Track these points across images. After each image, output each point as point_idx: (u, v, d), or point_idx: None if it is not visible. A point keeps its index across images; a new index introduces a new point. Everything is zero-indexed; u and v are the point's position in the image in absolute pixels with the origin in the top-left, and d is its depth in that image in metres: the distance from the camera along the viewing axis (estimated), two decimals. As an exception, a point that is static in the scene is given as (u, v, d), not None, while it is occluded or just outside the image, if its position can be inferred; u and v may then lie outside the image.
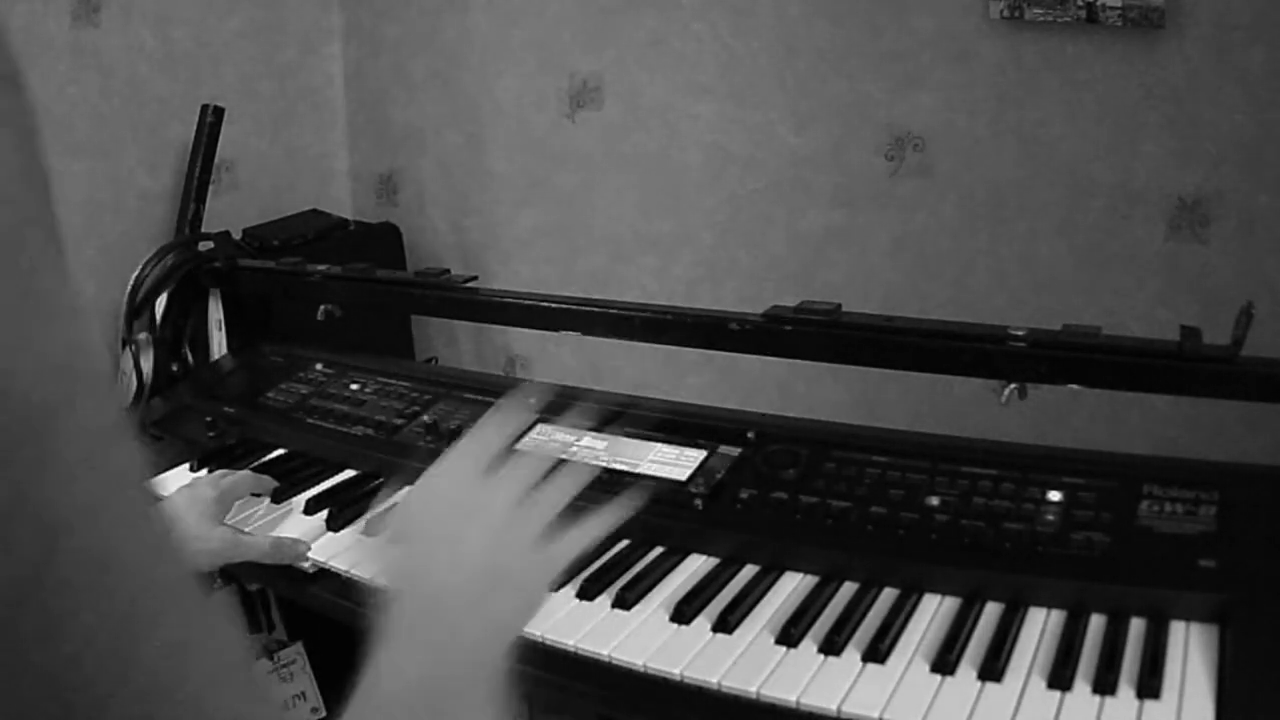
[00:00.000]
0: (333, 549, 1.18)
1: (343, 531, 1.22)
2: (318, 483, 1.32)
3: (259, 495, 1.29)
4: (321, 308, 1.61)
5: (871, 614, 0.97)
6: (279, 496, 1.29)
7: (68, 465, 0.34)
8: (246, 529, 1.22)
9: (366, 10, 2.54)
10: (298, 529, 1.22)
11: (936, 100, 1.94)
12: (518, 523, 0.69)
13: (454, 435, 1.32)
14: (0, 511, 0.32)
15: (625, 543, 1.13)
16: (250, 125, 2.37)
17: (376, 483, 1.31)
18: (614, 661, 0.96)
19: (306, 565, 1.18)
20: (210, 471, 1.36)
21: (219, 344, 1.73)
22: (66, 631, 0.33)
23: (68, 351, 0.35)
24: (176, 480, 1.37)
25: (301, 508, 1.27)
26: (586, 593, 1.05)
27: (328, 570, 1.16)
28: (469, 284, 1.52)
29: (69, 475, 0.34)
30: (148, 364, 1.67)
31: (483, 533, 0.68)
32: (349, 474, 1.34)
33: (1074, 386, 1.13)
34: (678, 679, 0.92)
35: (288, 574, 1.18)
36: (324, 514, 1.24)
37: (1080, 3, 1.75)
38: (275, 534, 1.21)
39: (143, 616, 0.35)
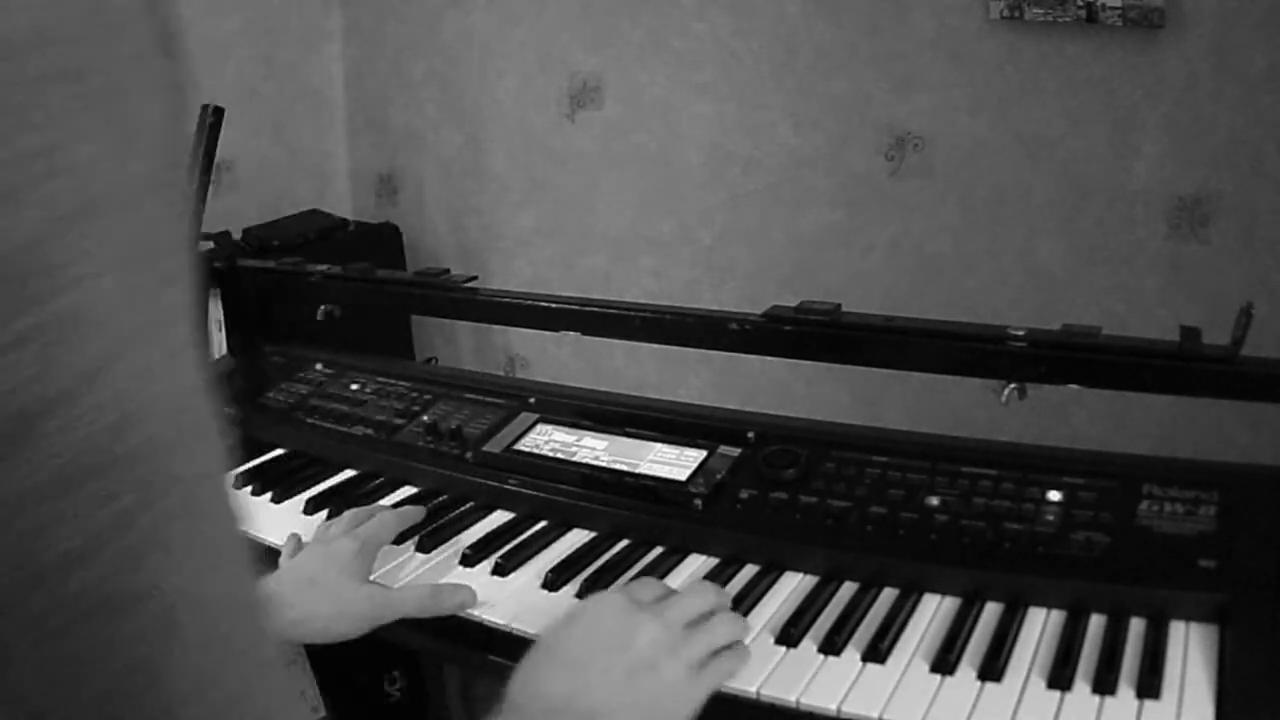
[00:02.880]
0: (514, 605, 1.04)
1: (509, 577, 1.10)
2: (318, 483, 1.32)
3: (401, 543, 1.14)
4: (321, 308, 1.61)
5: (871, 614, 0.97)
6: (427, 544, 1.14)
7: (173, 512, 0.34)
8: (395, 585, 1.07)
9: (366, 10, 2.54)
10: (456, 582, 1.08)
11: (936, 100, 1.95)
12: (670, 662, 0.82)
13: (454, 435, 1.32)
14: (98, 539, 0.31)
15: (625, 543, 1.13)
16: (250, 125, 2.37)
17: (376, 482, 1.31)
18: (614, 661, 0.96)
19: (480, 617, 1.03)
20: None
21: (219, 344, 1.73)
22: (135, 675, 0.33)
23: (190, 391, 0.35)
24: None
25: (458, 558, 1.12)
26: (587, 593, 1.05)
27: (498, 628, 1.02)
28: (469, 284, 1.52)
29: (171, 518, 0.33)
30: (148, 364, 1.67)
31: (631, 664, 0.81)
32: (349, 474, 1.34)
33: (1074, 386, 1.13)
34: (678, 679, 0.92)
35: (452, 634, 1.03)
36: (485, 565, 1.11)
37: (1080, 3, 1.75)
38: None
39: (228, 681, 0.35)
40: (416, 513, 1.16)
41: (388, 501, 1.26)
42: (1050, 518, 1.00)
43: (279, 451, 1.41)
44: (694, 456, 1.19)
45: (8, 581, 0.30)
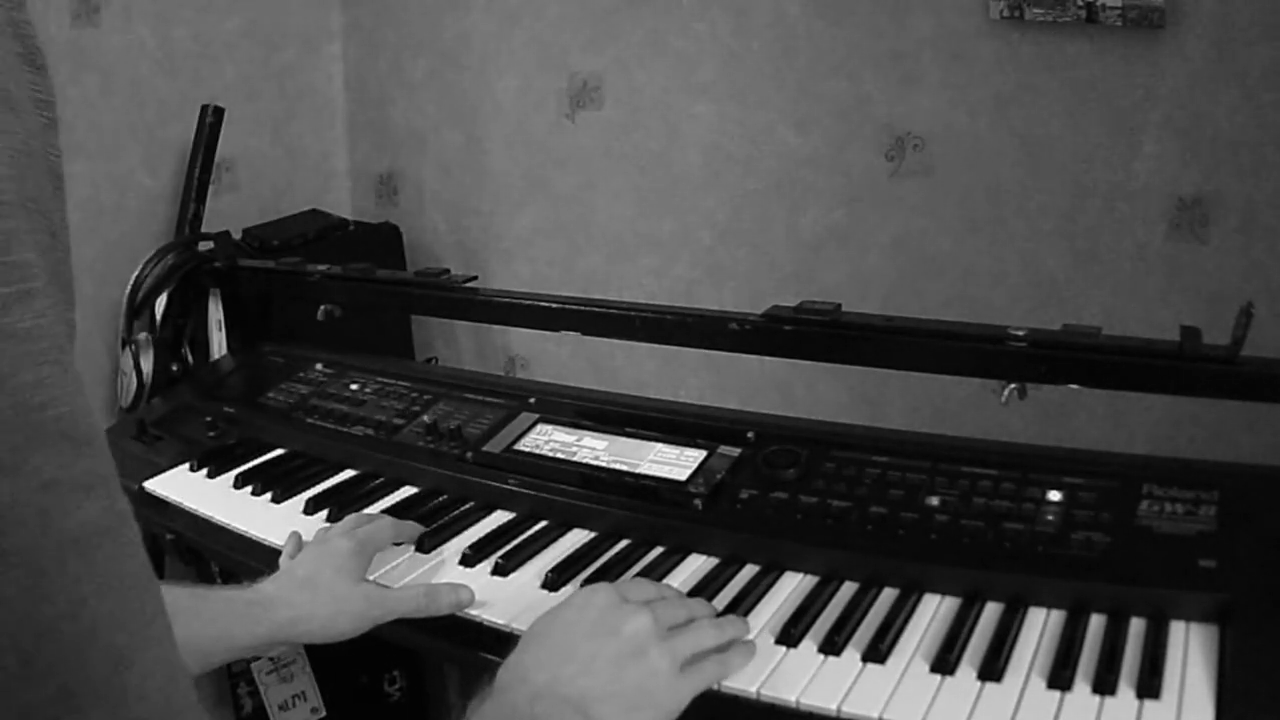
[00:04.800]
0: (514, 605, 1.03)
1: (510, 577, 1.09)
2: (318, 483, 1.32)
3: (400, 544, 1.14)
4: (321, 308, 1.61)
5: (871, 614, 0.97)
6: (426, 544, 1.14)
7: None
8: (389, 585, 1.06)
9: (366, 10, 2.54)
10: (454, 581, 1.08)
11: (936, 100, 1.94)
12: (657, 651, 0.82)
13: (454, 435, 1.32)
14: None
15: (625, 543, 1.13)
16: (250, 125, 2.37)
17: (376, 482, 1.31)
18: (614, 661, 0.96)
19: (480, 617, 1.02)
20: (211, 472, 1.36)
21: (219, 344, 1.73)
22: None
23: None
24: (185, 482, 1.37)
25: (457, 557, 1.12)
26: (586, 593, 1.05)
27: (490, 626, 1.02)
28: (469, 284, 1.52)
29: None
30: (148, 364, 1.67)
31: (617, 652, 0.81)
32: (349, 474, 1.34)
33: (1074, 386, 1.13)
34: (678, 679, 0.92)
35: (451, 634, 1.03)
36: (485, 565, 1.11)
37: (1080, 3, 1.75)
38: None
39: None
40: (414, 529, 1.16)
41: (388, 502, 1.27)
42: (1050, 518, 1.00)
43: (279, 451, 1.41)
44: (694, 456, 1.19)
45: None
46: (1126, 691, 0.83)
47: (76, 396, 0.38)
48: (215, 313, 1.74)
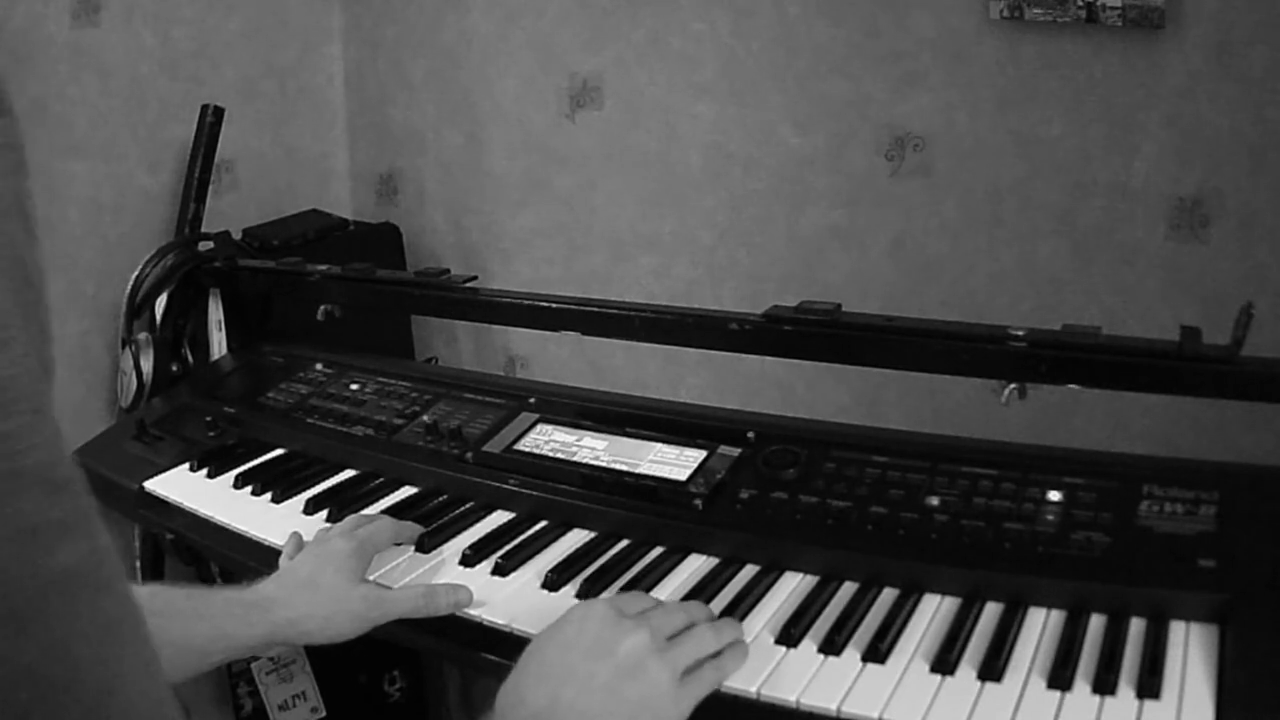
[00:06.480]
0: (514, 605, 1.04)
1: (509, 577, 1.10)
2: (318, 483, 1.32)
3: (400, 544, 1.15)
4: (321, 308, 1.62)
5: (871, 614, 0.97)
6: (426, 544, 1.15)
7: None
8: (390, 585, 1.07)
9: (366, 10, 2.54)
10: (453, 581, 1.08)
11: (936, 100, 1.94)
12: (656, 665, 0.81)
13: (454, 435, 1.32)
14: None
15: (625, 543, 1.13)
16: (250, 125, 2.37)
17: (376, 482, 1.31)
18: (614, 661, 0.95)
19: (479, 617, 1.03)
20: (211, 472, 1.36)
21: (219, 344, 1.73)
22: None
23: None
24: (185, 482, 1.37)
25: (457, 557, 1.12)
26: (587, 593, 1.05)
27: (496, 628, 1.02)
28: (469, 284, 1.52)
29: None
30: (148, 364, 1.67)
31: (616, 670, 0.80)
32: (349, 474, 1.34)
33: (1074, 386, 1.13)
34: (678, 679, 0.92)
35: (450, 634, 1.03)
36: (485, 565, 1.11)
37: (1080, 3, 1.75)
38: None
39: None
40: (414, 530, 1.16)
41: (388, 502, 1.27)
42: (1050, 518, 1.01)
43: (279, 451, 1.41)
44: (694, 456, 1.19)
45: None
46: (1126, 691, 0.83)
47: (54, 441, 0.39)
48: (215, 313, 1.74)
